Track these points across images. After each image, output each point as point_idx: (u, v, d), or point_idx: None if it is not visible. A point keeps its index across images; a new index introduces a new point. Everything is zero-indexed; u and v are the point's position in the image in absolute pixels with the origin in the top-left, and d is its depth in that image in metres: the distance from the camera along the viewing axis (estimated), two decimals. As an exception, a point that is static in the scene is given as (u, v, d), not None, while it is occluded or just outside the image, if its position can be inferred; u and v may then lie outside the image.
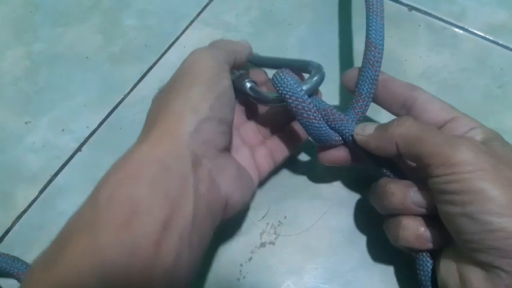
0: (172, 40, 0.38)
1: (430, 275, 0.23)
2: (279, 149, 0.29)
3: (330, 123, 0.26)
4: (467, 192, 0.20)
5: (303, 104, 0.24)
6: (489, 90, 0.34)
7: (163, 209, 0.19)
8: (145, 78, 0.37)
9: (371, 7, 0.26)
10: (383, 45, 0.25)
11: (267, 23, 0.39)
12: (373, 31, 0.25)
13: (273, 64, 0.33)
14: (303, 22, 0.38)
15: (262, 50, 0.37)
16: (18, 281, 0.28)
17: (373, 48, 0.25)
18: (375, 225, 0.29)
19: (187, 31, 0.39)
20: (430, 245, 0.23)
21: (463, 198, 0.20)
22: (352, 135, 0.26)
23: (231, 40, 0.30)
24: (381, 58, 0.25)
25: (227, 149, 0.25)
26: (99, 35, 0.39)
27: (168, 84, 0.25)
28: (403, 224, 0.24)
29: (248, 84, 0.30)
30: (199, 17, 0.39)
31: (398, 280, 0.27)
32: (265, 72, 0.32)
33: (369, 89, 0.26)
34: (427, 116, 0.25)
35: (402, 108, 0.26)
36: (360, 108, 0.26)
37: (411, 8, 0.38)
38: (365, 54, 0.26)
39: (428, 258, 0.24)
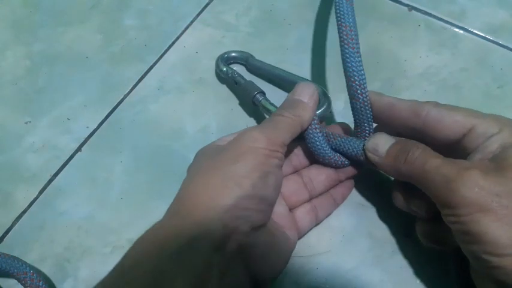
0: (173, 40, 0.38)
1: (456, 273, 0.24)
2: (323, 206, 0.28)
3: (335, 147, 0.27)
4: (468, 234, 0.20)
5: (315, 133, 0.26)
6: (489, 90, 0.34)
7: (186, 284, 0.19)
8: (145, 78, 0.37)
9: (341, 34, 0.25)
10: (363, 73, 0.25)
11: (267, 23, 0.39)
12: (349, 61, 0.25)
13: (272, 75, 0.34)
14: (303, 22, 0.38)
15: (262, 50, 0.37)
16: (18, 281, 0.28)
17: (350, 81, 0.25)
18: (375, 225, 0.29)
19: (187, 31, 0.39)
20: (450, 247, 0.24)
21: (466, 238, 0.21)
22: (357, 154, 0.26)
23: (296, 108, 0.26)
24: (363, 85, 0.25)
25: (264, 225, 0.24)
26: (99, 35, 0.39)
27: (214, 153, 0.25)
28: (417, 223, 0.25)
29: (259, 98, 0.30)
30: (199, 17, 0.39)
31: (398, 280, 0.27)
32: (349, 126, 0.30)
33: (364, 118, 0.26)
34: (442, 136, 0.24)
35: (415, 132, 0.25)
36: (363, 133, 0.27)
37: (411, 8, 0.38)
38: (348, 85, 0.25)
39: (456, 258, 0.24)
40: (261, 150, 0.23)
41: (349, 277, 0.27)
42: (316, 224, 0.29)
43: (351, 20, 0.25)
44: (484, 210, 0.20)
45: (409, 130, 0.25)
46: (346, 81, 0.25)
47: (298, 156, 0.29)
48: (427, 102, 0.24)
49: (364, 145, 0.26)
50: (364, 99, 0.25)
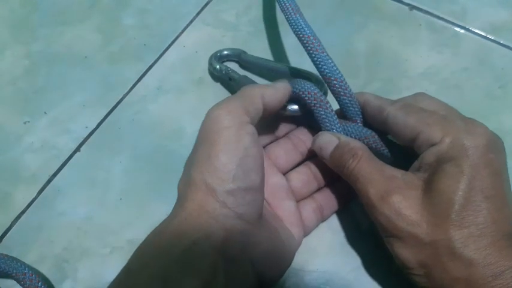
0: (172, 39, 0.38)
1: None
2: (329, 204, 0.28)
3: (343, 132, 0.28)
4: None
5: (329, 113, 0.27)
6: (490, 90, 0.34)
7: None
8: (144, 77, 0.36)
9: (307, 45, 0.27)
10: (340, 73, 0.27)
11: (267, 22, 0.38)
12: (323, 65, 0.27)
13: (266, 68, 0.34)
14: (303, 21, 0.38)
15: (262, 49, 0.37)
16: (17, 282, 0.28)
17: (334, 81, 0.27)
18: (376, 226, 0.29)
19: (186, 30, 0.39)
20: None
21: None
22: (361, 138, 0.27)
23: (258, 85, 0.26)
24: (346, 84, 0.27)
25: (260, 216, 0.23)
26: (98, 34, 0.39)
27: (192, 152, 0.24)
28: None
29: None
30: (199, 16, 0.39)
31: (399, 282, 0.27)
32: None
33: (354, 113, 0.27)
34: (398, 138, 0.25)
35: (383, 128, 0.26)
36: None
37: (412, 7, 0.38)
38: (330, 89, 0.27)
39: None
40: (228, 131, 0.22)
41: (350, 278, 0.27)
42: (322, 221, 0.28)
43: (306, 29, 0.27)
44: (394, 236, 0.22)
45: (379, 126, 0.26)
46: (327, 83, 0.27)
47: (305, 143, 0.29)
48: (394, 102, 0.25)
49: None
50: (348, 92, 0.27)
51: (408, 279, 0.22)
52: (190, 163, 0.23)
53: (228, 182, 0.21)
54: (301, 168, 0.28)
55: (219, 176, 0.21)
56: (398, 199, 0.22)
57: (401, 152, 0.26)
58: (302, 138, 0.29)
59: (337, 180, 0.28)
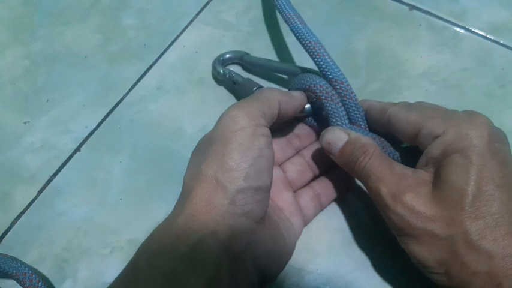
0: (172, 39, 0.38)
1: None
2: (326, 192, 0.28)
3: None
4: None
5: (339, 107, 0.27)
6: (490, 90, 0.33)
7: (198, 285, 0.19)
8: (144, 77, 0.36)
9: (313, 51, 0.27)
10: (344, 77, 0.27)
11: (267, 22, 0.38)
12: (328, 70, 0.27)
13: (269, 68, 0.34)
14: (303, 21, 0.38)
15: (262, 49, 0.37)
16: (17, 282, 0.28)
17: (340, 84, 0.27)
18: (376, 226, 0.29)
19: (186, 30, 0.39)
20: None
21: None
22: None
23: (277, 90, 0.26)
24: (351, 88, 0.27)
25: (265, 215, 0.23)
26: (98, 34, 0.39)
27: (202, 146, 0.24)
28: None
29: None
30: (199, 16, 0.39)
31: (399, 281, 0.27)
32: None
33: (359, 117, 0.27)
34: (401, 134, 0.25)
35: (387, 130, 0.26)
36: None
37: (412, 7, 0.38)
38: (336, 91, 0.27)
39: None
40: (244, 131, 0.22)
41: (349, 278, 0.27)
42: (321, 210, 0.29)
43: (312, 36, 0.28)
44: (409, 234, 0.22)
45: (383, 128, 0.26)
46: (332, 86, 0.27)
47: (300, 137, 0.29)
48: (396, 103, 0.26)
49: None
50: (353, 96, 0.27)
51: (429, 278, 0.22)
52: (202, 158, 0.23)
53: (239, 180, 0.21)
54: (295, 159, 0.29)
55: (231, 174, 0.21)
56: (411, 197, 0.22)
57: (406, 156, 0.26)
58: (296, 132, 0.29)
59: (332, 168, 0.29)
